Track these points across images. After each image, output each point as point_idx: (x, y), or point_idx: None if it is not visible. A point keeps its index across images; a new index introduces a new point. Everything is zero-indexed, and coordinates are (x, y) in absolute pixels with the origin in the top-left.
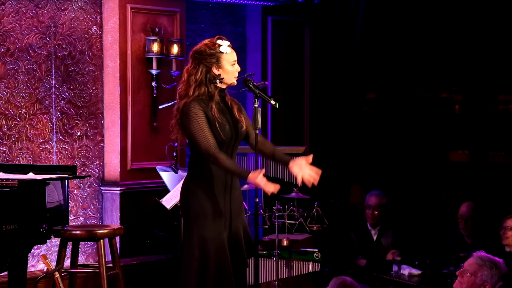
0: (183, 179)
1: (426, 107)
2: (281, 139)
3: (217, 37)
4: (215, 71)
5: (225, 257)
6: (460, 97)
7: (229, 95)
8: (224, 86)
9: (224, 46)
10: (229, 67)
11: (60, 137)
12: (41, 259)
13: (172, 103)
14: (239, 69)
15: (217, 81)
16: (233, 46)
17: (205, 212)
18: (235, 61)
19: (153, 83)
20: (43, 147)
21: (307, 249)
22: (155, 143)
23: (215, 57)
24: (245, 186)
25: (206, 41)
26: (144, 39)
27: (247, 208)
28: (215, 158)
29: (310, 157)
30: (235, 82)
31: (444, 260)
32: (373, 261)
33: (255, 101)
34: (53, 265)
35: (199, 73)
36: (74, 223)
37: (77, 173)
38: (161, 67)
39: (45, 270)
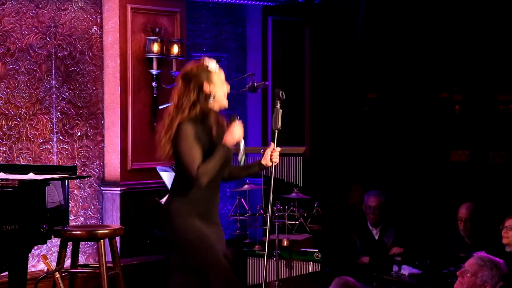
0: (164, 203)
1: (427, 107)
2: (281, 139)
3: (202, 57)
4: (207, 87)
5: (233, 277)
6: (460, 97)
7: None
8: (216, 107)
9: (212, 64)
10: (219, 83)
11: (61, 137)
12: (41, 259)
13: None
14: (228, 90)
15: (211, 98)
16: (233, 46)
17: (204, 234)
18: (223, 80)
19: (153, 83)
20: (44, 147)
21: (308, 249)
22: (156, 143)
23: (205, 73)
24: (245, 186)
25: (192, 62)
26: (145, 39)
27: (247, 208)
28: (201, 173)
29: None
30: (226, 105)
31: (444, 260)
32: (377, 259)
33: (277, 103)
34: (53, 265)
35: (192, 93)
36: (74, 223)
37: (77, 173)
38: (162, 67)
39: (45, 270)
